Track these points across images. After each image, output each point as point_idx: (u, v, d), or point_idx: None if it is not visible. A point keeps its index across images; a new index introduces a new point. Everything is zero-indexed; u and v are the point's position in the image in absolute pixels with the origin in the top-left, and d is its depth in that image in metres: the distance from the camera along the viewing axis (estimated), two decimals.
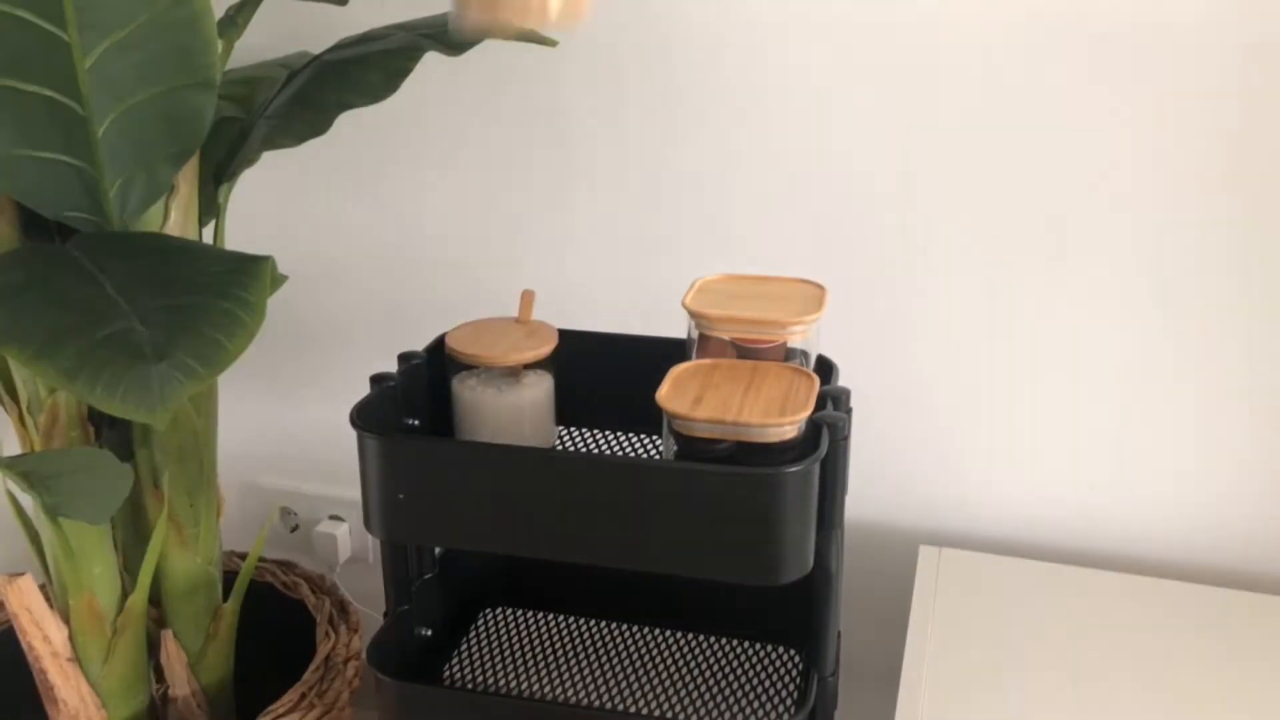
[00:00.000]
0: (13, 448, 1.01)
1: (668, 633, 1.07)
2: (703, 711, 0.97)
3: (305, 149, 1.03)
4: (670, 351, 0.90)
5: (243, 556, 1.25)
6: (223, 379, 0.85)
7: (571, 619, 1.09)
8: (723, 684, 1.00)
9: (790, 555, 0.78)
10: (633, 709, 0.97)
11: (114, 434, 1.00)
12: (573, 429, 1.03)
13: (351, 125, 1.07)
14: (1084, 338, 1.08)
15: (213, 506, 1.06)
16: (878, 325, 1.13)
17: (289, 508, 1.44)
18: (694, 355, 0.89)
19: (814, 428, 0.81)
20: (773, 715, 0.97)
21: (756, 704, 0.98)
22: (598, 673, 1.02)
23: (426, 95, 1.17)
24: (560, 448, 1.00)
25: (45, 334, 0.72)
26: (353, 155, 1.25)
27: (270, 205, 1.30)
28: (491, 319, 0.96)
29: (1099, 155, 1.02)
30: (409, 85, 1.02)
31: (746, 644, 1.05)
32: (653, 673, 1.02)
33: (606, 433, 1.03)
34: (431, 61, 1.03)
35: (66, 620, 1.00)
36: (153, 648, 1.08)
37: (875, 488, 1.19)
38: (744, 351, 0.87)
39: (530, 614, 1.10)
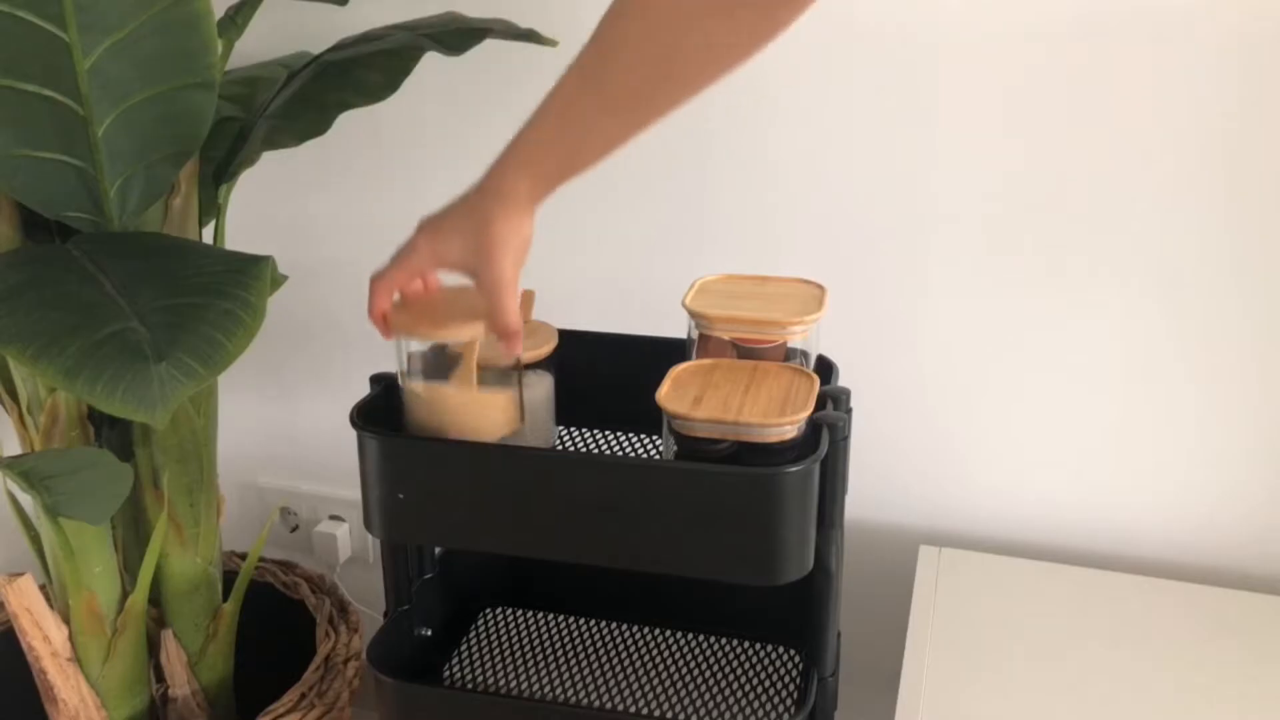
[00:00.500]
0: (13, 448, 1.01)
1: (668, 633, 1.07)
2: (703, 711, 0.97)
3: (305, 149, 1.03)
4: (670, 351, 0.89)
5: (243, 556, 1.25)
6: (223, 379, 0.85)
7: (571, 619, 1.09)
8: (723, 684, 1.00)
9: (790, 555, 0.78)
10: (633, 709, 0.97)
11: (114, 434, 1.00)
12: (573, 429, 1.03)
13: (351, 125, 1.07)
14: (1084, 338, 1.08)
15: (212, 506, 1.06)
16: (878, 325, 1.13)
17: (289, 508, 1.44)
18: (694, 355, 0.89)
19: (814, 428, 0.81)
20: (773, 715, 0.97)
21: (756, 704, 0.98)
22: (598, 673, 1.02)
23: (426, 95, 1.17)
24: (560, 448, 1.00)
25: (45, 334, 0.72)
26: (353, 155, 1.25)
27: (270, 205, 1.30)
28: None
29: (1099, 156, 1.02)
30: (409, 85, 1.02)
31: (746, 644, 1.05)
32: (653, 673, 1.02)
33: (606, 433, 1.03)
34: (431, 61, 1.03)
35: (66, 620, 1.00)
36: (153, 648, 1.08)
37: (875, 488, 1.19)
38: (744, 351, 0.87)
39: (530, 614, 1.10)
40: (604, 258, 1.19)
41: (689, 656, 1.04)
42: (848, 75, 1.06)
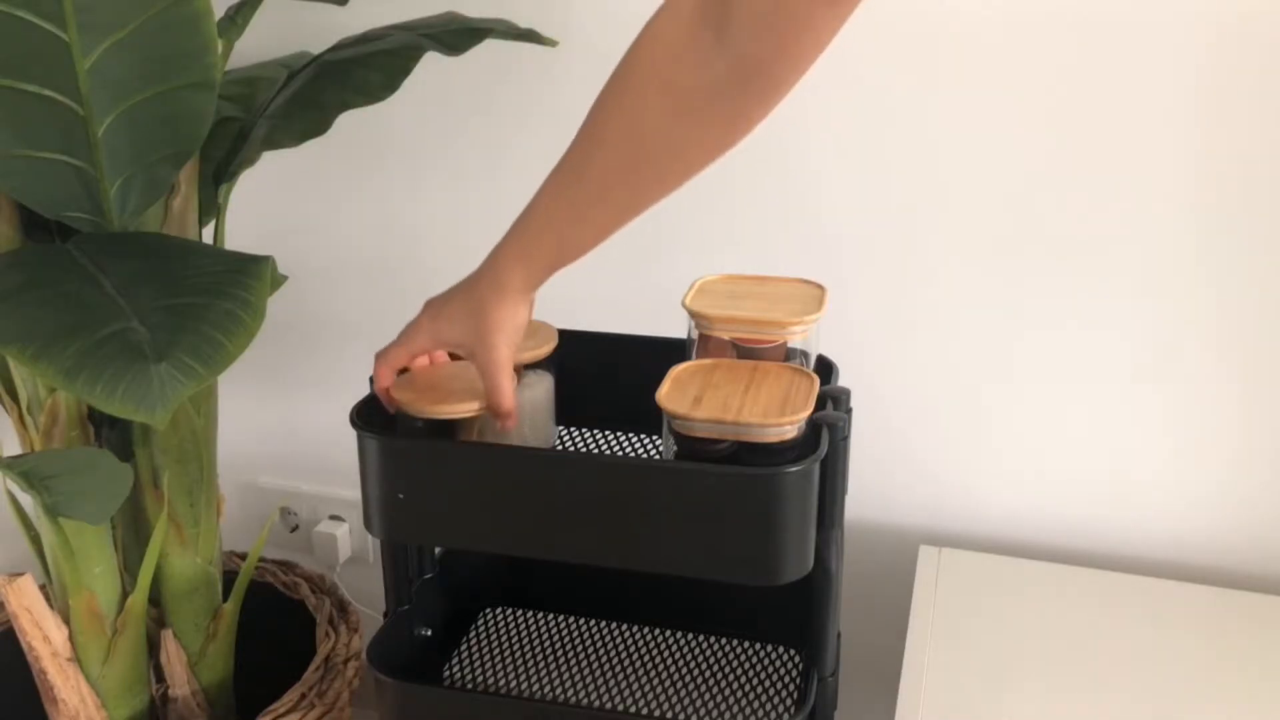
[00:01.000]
0: (13, 448, 1.01)
1: (667, 633, 1.07)
2: (703, 711, 0.97)
3: (305, 149, 1.03)
4: (670, 351, 0.89)
5: (243, 556, 1.25)
6: (223, 379, 0.85)
7: (571, 619, 1.09)
8: (723, 684, 1.00)
9: (790, 555, 0.78)
10: (633, 709, 0.97)
11: (114, 434, 1.00)
12: (573, 429, 1.03)
13: (351, 125, 1.07)
14: (1083, 338, 1.08)
15: (212, 506, 1.06)
16: (878, 325, 1.13)
17: (289, 508, 1.44)
18: (694, 355, 0.89)
19: (814, 428, 0.81)
20: (773, 715, 0.97)
21: (756, 704, 0.98)
22: (598, 673, 1.02)
23: (426, 95, 1.17)
24: (560, 448, 1.00)
25: (45, 334, 0.72)
26: (353, 155, 1.25)
27: (270, 205, 1.30)
28: None
29: (1099, 157, 1.02)
30: (409, 85, 1.02)
31: (746, 644, 1.05)
32: (653, 673, 1.02)
33: (606, 433, 1.03)
34: (431, 61, 1.03)
35: (66, 620, 1.00)
36: (153, 648, 1.08)
37: (875, 488, 1.19)
38: (744, 351, 0.87)
39: (530, 614, 1.10)
40: (604, 258, 1.19)
41: (689, 656, 1.04)
42: (848, 75, 1.06)
